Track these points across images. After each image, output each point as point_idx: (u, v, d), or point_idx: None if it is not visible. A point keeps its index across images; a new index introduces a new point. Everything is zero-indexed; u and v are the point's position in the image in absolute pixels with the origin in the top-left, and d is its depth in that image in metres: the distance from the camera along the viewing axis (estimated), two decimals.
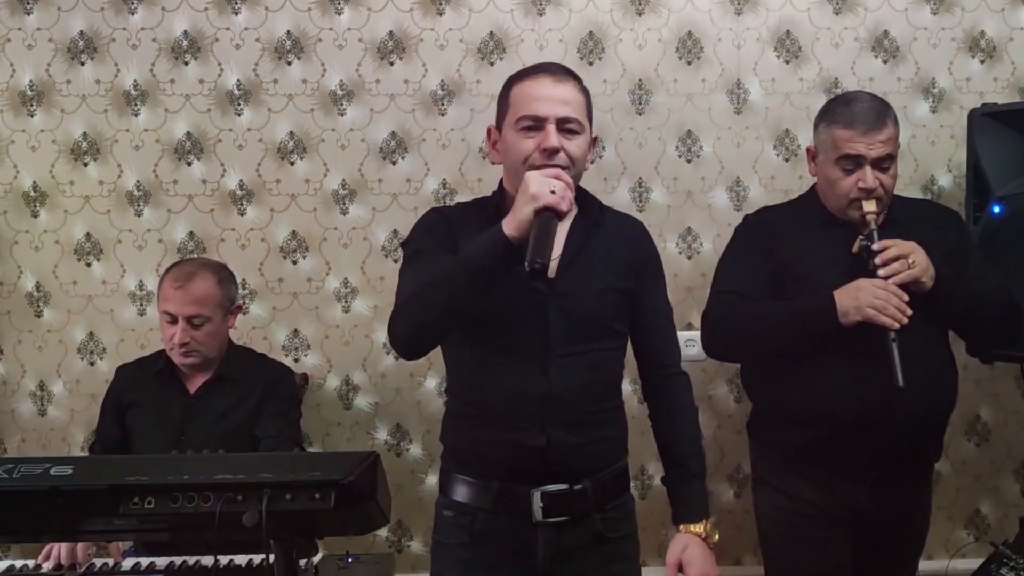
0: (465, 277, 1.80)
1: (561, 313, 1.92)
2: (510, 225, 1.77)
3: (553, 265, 1.88)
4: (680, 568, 1.94)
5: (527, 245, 1.73)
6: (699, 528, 1.97)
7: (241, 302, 2.70)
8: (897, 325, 2.12)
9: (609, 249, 2.00)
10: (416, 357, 1.97)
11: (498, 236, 1.77)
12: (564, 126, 1.89)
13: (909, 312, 2.12)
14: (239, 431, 2.52)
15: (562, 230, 1.94)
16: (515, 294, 1.89)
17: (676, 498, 2.02)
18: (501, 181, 2.00)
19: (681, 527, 1.97)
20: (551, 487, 1.91)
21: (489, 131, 2.00)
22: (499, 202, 1.98)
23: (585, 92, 1.97)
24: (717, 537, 1.98)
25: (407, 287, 1.91)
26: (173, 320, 2.49)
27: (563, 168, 1.84)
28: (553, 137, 1.86)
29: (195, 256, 2.87)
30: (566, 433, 1.91)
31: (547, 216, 1.74)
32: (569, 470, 1.93)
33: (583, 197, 2.01)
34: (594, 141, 2.01)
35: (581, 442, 1.93)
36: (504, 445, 1.92)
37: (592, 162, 3.00)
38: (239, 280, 2.87)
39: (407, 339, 1.88)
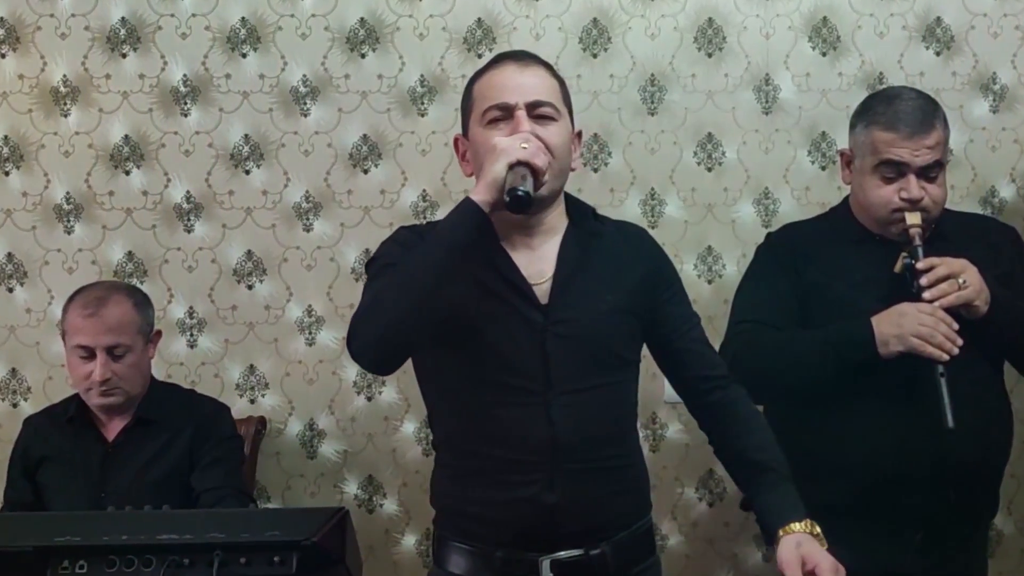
0: (439, 258, 1.77)
1: (560, 343, 1.87)
2: (480, 190, 1.76)
3: (545, 287, 1.87)
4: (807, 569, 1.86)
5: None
6: (805, 526, 1.87)
7: (159, 330, 2.65)
8: (946, 357, 2.08)
9: (612, 263, 1.97)
10: (386, 367, 1.91)
11: (468, 206, 1.76)
12: (536, 111, 1.86)
13: (960, 342, 2.09)
14: (168, 482, 2.48)
15: (551, 245, 1.93)
16: (507, 326, 1.86)
17: (771, 505, 1.93)
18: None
19: (782, 531, 1.85)
20: (563, 553, 1.86)
21: (456, 141, 1.98)
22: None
23: (559, 79, 1.96)
24: (819, 530, 1.88)
25: (371, 290, 1.88)
26: (89, 355, 2.43)
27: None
28: (525, 123, 1.83)
29: (115, 280, 2.84)
30: (579, 487, 1.86)
31: (522, 171, 1.74)
32: (585, 532, 1.89)
33: (572, 204, 1.99)
34: (578, 136, 1.99)
35: (598, 497, 1.89)
36: (507, 505, 1.88)
37: (594, 168, 2.93)
38: (185, 308, 2.90)
39: (375, 343, 1.81)
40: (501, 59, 1.95)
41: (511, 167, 1.74)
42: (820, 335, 2.25)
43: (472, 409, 1.91)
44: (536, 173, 1.77)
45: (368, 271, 1.96)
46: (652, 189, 2.93)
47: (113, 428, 2.52)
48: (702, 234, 2.94)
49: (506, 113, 1.86)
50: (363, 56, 2.86)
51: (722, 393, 2.00)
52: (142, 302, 2.54)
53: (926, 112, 2.24)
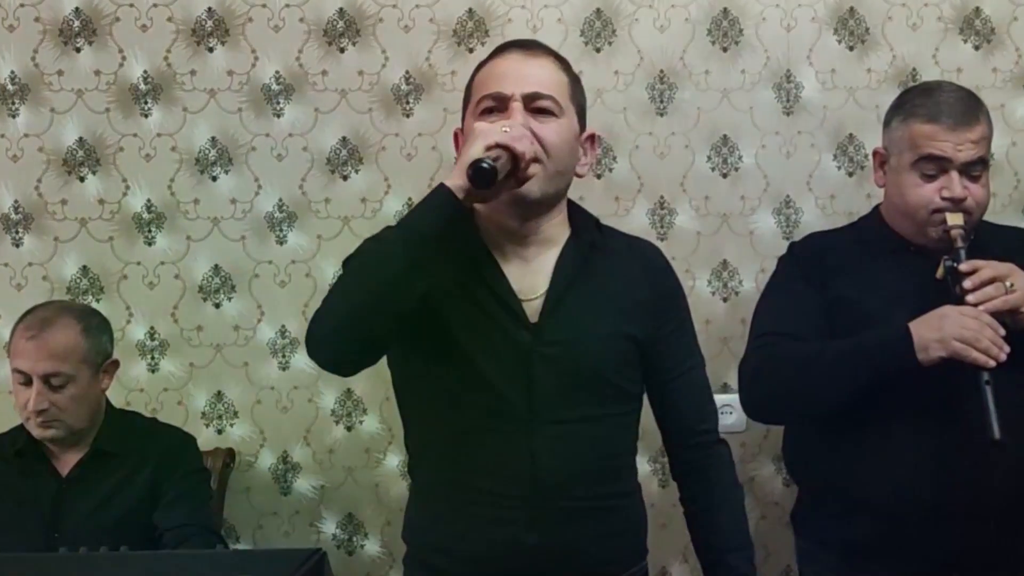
0: (402, 247, 1.75)
1: (548, 367, 1.87)
2: (454, 175, 1.74)
3: (536, 304, 1.87)
4: None
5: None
6: None
7: (116, 360, 2.62)
8: (992, 363, 2.06)
9: (615, 281, 1.96)
10: (344, 365, 1.88)
11: (440, 191, 1.74)
12: (534, 104, 1.85)
13: (1007, 348, 2.08)
14: (129, 520, 2.45)
15: (548, 258, 1.92)
16: (492, 345, 1.86)
17: None
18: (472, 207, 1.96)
19: None
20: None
21: (456, 136, 1.98)
22: (472, 222, 1.94)
23: (569, 73, 1.95)
24: None
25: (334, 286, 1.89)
26: (27, 381, 2.42)
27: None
28: (518, 114, 1.82)
29: (70, 301, 2.80)
30: (563, 528, 1.86)
31: (497, 152, 1.72)
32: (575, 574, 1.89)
33: (575, 213, 1.98)
34: (592, 140, 1.98)
35: (584, 540, 1.88)
36: (483, 544, 1.87)
37: (597, 174, 2.89)
38: (146, 328, 2.87)
39: (330, 335, 1.78)
40: (506, 47, 1.94)
41: (488, 149, 1.72)
42: (851, 342, 2.23)
43: (449, 433, 1.90)
44: (516, 158, 1.74)
45: (344, 268, 1.94)
46: (661, 197, 2.90)
47: (67, 461, 2.49)
48: (716, 247, 2.92)
49: (501, 104, 1.85)
50: (342, 51, 2.84)
51: (701, 454, 2.01)
52: (94, 328, 2.51)
53: (969, 104, 2.24)
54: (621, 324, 1.94)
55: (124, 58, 2.81)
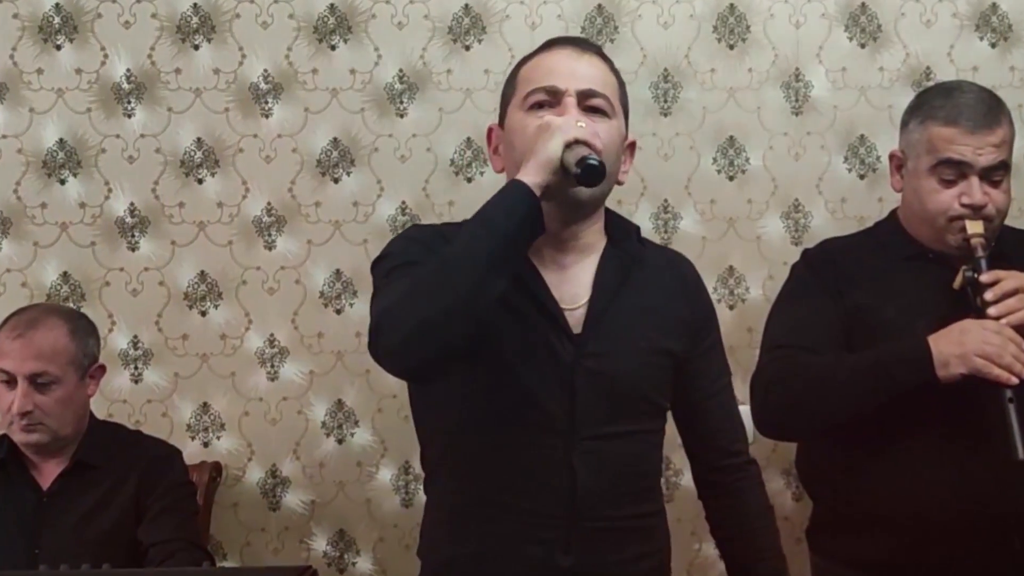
0: (491, 247, 1.73)
1: (591, 380, 1.87)
2: (530, 171, 1.73)
3: (579, 314, 1.87)
4: None
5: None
6: None
7: (103, 365, 2.64)
8: (1015, 380, 2.06)
9: (656, 295, 1.97)
10: (420, 372, 1.85)
11: (518, 189, 1.73)
12: (588, 102, 1.85)
13: None
14: (112, 536, 2.47)
15: (586, 267, 1.93)
16: (532, 354, 1.85)
17: None
18: None
19: None
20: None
21: (490, 132, 1.97)
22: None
23: (618, 76, 1.96)
24: None
25: (401, 287, 1.83)
26: (11, 381, 2.43)
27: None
28: (573, 110, 1.81)
29: (57, 303, 2.81)
30: (599, 548, 1.86)
31: (583, 149, 1.72)
32: None
33: (615, 222, 1.98)
34: (632, 147, 1.99)
35: (617, 561, 1.89)
36: (515, 564, 1.86)
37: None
38: (129, 337, 2.87)
39: (407, 340, 1.74)
40: (556, 42, 1.96)
41: (568, 146, 1.72)
42: (868, 356, 2.22)
43: (482, 447, 1.89)
44: (596, 152, 1.75)
45: (376, 271, 1.93)
46: (665, 201, 2.91)
47: (48, 474, 2.50)
48: (723, 252, 2.92)
49: (554, 99, 1.84)
50: (333, 48, 2.85)
51: (733, 475, 2.03)
52: (82, 331, 2.52)
53: (990, 106, 2.23)
54: (661, 339, 1.94)
55: (106, 56, 2.81)
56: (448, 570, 1.95)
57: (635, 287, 1.94)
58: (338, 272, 2.87)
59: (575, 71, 1.88)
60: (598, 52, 1.96)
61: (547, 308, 1.87)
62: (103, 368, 2.59)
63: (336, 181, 2.86)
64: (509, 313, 1.85)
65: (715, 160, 2.90)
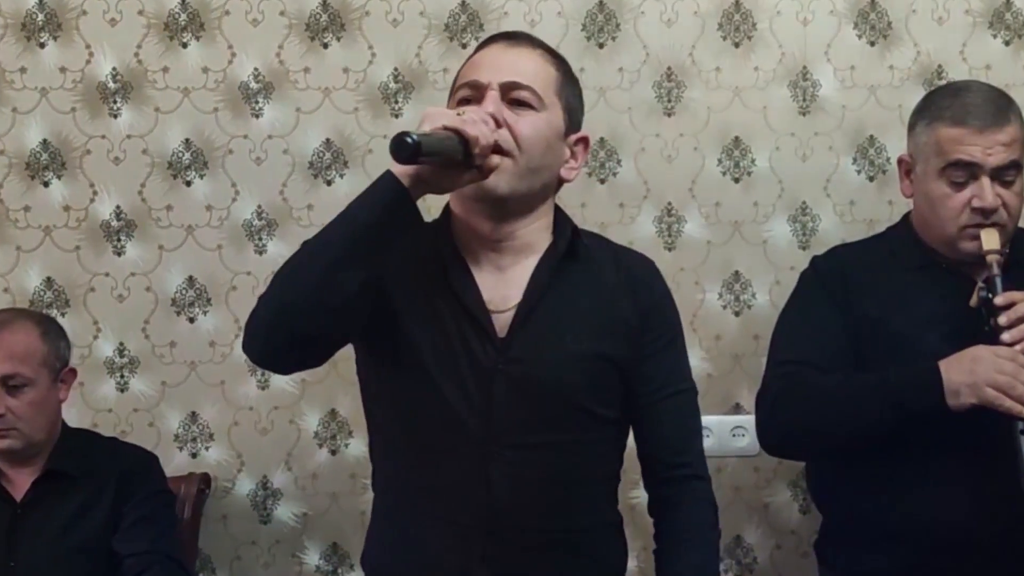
0: (340, 241, 1.76)
1: (512, 387, 1.86)
2: (399, 165, 1.76)
3: (505, 319, 1.86)
4: None
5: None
6: None
7: (74, 369, 2.66)
8: None
9: (593, 297, 1.95)
10: (275, 361, 1.89)
11: (384, 177, 1.75)
12: (511, 94, 1.86)
13: None
14: (90, 548, 2.50)
15: (521, 269, 1.92)
16: (452, 359, 1.86)
17: None
18: (447, 207, 2.00)
19: None
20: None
21: None
22: (445, 226, 1.96)
23: (560, 68, 1.95)
24: None
25: None
26: None
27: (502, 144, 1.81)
28: (491, 103, 1.83)
29: (25, 308, 2.81)
30: (519, 563, 1.87)
31: (447, 134, 1.71)
32: None
33: (557, 220, 1.97)
34: (583, 142, 1.97)
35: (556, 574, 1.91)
36: (433, 574, 1.89)
37: (600, 178, 2.89)
38: (114, 344, 2.88)
39: (259, 331, 1.78)
40: (492, 38, 1.98)
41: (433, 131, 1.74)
42: (877, 380, 2.23)
43: (406, 451, 1.92)
44: (467, 142, 1.72)
45: None
46: (669, 204, 2.89)
47: (20, 484, 2.51)
48: (728, 257, 2.91)
49: (477, 93, 1.86)
50: (326, 46, 2.83)
51: (677, 489, 2.00)
52: (53, 333, 2.55)
53: (999, 105, 2.25)
54: (596, 343, 1.92)
55: (91, 54, 2.80)
56: (386, 564, 1.96)
57: (571, 286, 1.94)
58: None
59: (500, 64, 1.89)
60: (535, 43, 1.96)
61: (470, 310, 1.87)
62: (74, 372, 2.61)
63: (329, 183, 2.85)
64: (434, 316, 1.87)
65: (720, 161, 2.89)
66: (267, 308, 1.77)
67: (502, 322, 1.87)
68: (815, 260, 2.48)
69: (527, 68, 1.90)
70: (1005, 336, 2.12)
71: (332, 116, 2.84)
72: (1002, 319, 2.13)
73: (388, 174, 1.72)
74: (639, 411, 1.99)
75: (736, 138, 2.88)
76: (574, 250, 1.95)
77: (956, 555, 2.19)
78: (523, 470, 1.86)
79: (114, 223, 2.82)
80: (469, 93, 1.88)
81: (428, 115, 1.73)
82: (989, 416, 2.11)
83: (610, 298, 1.97)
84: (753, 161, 2.89)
